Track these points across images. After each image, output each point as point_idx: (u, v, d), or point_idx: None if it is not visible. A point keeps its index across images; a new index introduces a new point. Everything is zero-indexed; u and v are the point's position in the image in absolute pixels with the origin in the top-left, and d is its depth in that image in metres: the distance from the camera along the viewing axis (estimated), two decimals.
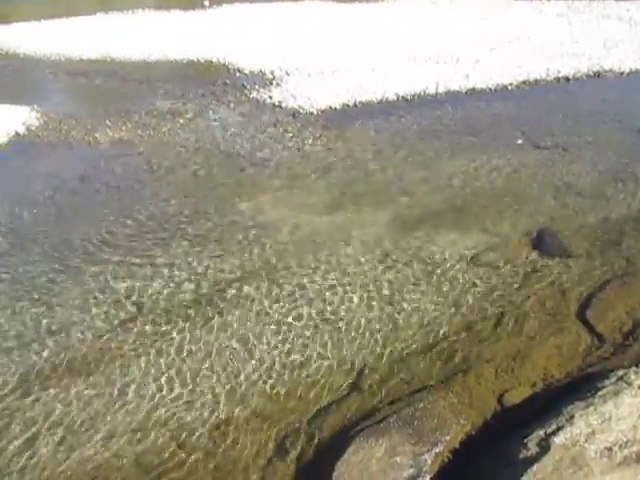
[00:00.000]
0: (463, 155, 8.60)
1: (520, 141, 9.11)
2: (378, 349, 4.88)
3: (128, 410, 4.35)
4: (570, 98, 11.44)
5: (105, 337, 5.05)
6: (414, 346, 4.91)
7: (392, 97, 11.12)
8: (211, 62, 13.96)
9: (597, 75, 12.81)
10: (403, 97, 11.14)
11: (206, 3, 21.34)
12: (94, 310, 5.37)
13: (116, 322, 5.22)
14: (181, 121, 10.21)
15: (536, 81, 12.22)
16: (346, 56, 13.85)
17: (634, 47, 14.97)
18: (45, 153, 9.00)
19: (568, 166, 8.26)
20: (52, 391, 4.51)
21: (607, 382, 4.29)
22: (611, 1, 22.74)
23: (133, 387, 4.54)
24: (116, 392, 4.50)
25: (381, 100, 10.98)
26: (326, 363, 4.75)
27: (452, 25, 17.59)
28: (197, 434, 4.16)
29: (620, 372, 4.40)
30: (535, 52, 14.25)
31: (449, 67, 12.93)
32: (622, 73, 13.01)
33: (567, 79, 12.48)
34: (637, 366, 4.51)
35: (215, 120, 10.25)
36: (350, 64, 13.13)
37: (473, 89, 11.62)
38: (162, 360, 4.79)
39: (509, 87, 11.82)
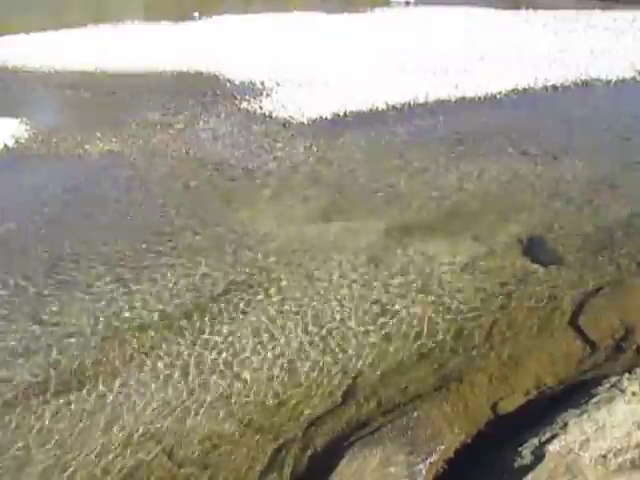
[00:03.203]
0: (453, 164, 8.63)
1: (509, 149, 9.16)
2: (371, 358, 4.86)
3: (125, 421, 4.30)
4: (558, 106, 11.54)
5: (95, 350, 4.99)
6: (407, 355, 4.89)
7: (382, 106, 11.17)
8: (201, 73, 13.97)
9: (585, 84, 12.95)
10: (393, 106, 11.19)
11: (196, 14, 21.40)
12: (85, 322, 5.31)
13: (104, 335, 5.16)
14: (171, 132, 10.19)
15: (524, 90, 12.32)
16: (336, 66, 13.91)
17: (620, 56, 15.15)
18: (35, 166, 8.94)
19: (558, 173, 8.31)
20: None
21: (600, 389, 4.29)
22: (597, 11, 23.03)
23: (123, 399, 4.49)
24: (112, 404, 4.45)
25: (371, 109, 11.02)
26: (319, 373, 4.71)
27: (441, 35, 17.74)
28: (190, 445, 4.12)
29: (613, 379, 4.41)
30: (523, 61, 14.39)
31: (438, 77, 13.02)
32: (609, 82, 13.15)
33: (555, 88, 12.60)
34: (630, 372, 4.52)
35: (205, 131, 10.24)
36: (340, 74, 13.19)
37: (462, 98, 11.70)
38: (152, 373, 4.74)
39: (498, 96, 11.91)
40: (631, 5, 23.77)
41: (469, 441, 4.10)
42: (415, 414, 4.19)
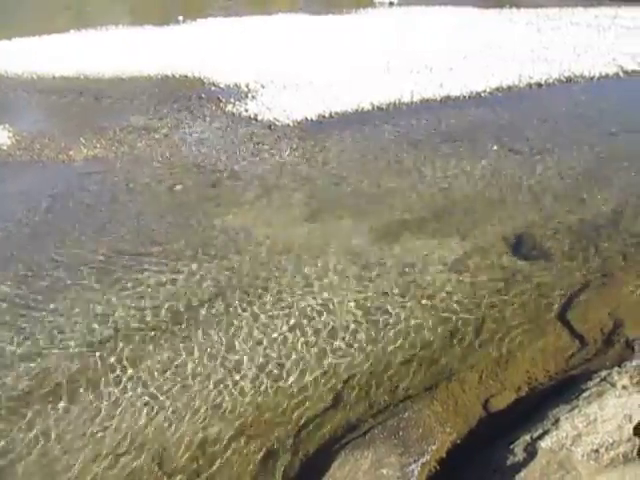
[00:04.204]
0: (440, 162, 8.63)
1: (495, 147, 9.19)
2: (361, 359, 4.82)
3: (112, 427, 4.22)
4: (543, 103, 11.59)
5: (81, 358, 4.90)
6: (397, 355, 4.86)
7: (367, 107, 11.16)
8: (186, 77, 13.89)
9: (568, 80, 13.03)
10: (378, 107, 11.19)
11: (180, 18, 21.31)
12: (69, 332, 5.23)
13: (91, 343, 5.08)
14: (156, 136, 10.11)
15: (509, 87, 12.37)
16: (321, 67, 13.89)
17: (603, 52, 15.27)
18: (17, 172, 8.82)
19: (543, 170, 8.34)
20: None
21: (591, 383, 4.28)
22: (580, 8, 23.23)
23: (111, 406, 4.42)
24: (104, 410, 4.38)
25: (357, 110, 11.01)
26: (309, 375, 4.67)
27: (425, 35, 17.79)
28: (180, 453, 4.06)
29: (603, 373, 4.40)
30: (507, 59, 14.45)
31: (423, 76, 13.04)
32: (592, 78, 13.25)
33: (539, 85, 12.67)
34: (620, 366, 4.52)
35: (191, 135, 10.17)
36: (325, 75, 13.17)
37: (447, 97, 11.72)
38: (139, 379, 4.67)
39: (483, 94, 11.95)
40: (612, 2, 24.01)
41: (461, 440, 4.08)
42: (406, 414, 4.16)
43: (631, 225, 6.77)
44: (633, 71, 13.77)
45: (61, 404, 4.46)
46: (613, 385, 4.23)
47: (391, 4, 25.65)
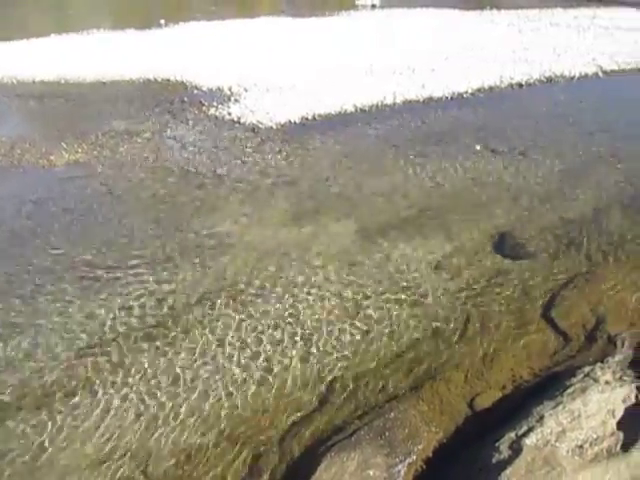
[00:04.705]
0: (422, 163, 8.67)
1: (478, 147, 9.25)
2: (345, 360, 4.81)
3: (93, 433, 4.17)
4: (524, 103, 11.70)
5: (62, 366, 4.84)
6: (382, 355, 4.86)
7: (350, 109, 11.18)
8: (168, 80, 13.81)
9: (549, 80, 13.17)
10: (361, 108, 11.22)
11: (162, 22, 21.20)
12: (51, 338, 5.16)
13: (73, 349, 5.02)
14: (139, 140, 10.03)
15: (490, 88, 12.48)
16: (303, 70, 13.89)
17: (582, 53, 15.47)
18: None
19: (525, 170, 8.42)
20: None
21: (574, 380, 4.32)
22: (559, 9, 23.51)
23: (92, 416, 4.37)
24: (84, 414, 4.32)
25: (340, 112, 11.03)
26: (293, 378, 4.65)
27: (407, 36, 17.89)
28: (165, 460, 4.02)
29: (586, 369, 4.45)
30: (488, 60, 14.58)
31: (406, 77, 13.10)
32: (572, 78, 13.41)
33: (520, 85, 12.79)
34: (602, 362, 4.57)
35: (173, 138, 10.11)
36: (308, 78, 13.18)
37: (430, 98, 11.78)
38: (123, 385, 4.62)
39: (464, 95, 12.03)
40: (591, 3, 24.32)
41: (447, 439, 4.09)
42: (392, 414, 4.16)
43: (611, 223, 6.85)
44: (612, 71, 13.96)
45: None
46: (596, 381, 4.27)
47: (373, 6, 25.77)
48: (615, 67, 14.19)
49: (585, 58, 14.81)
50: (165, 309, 5.50)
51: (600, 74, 13.74)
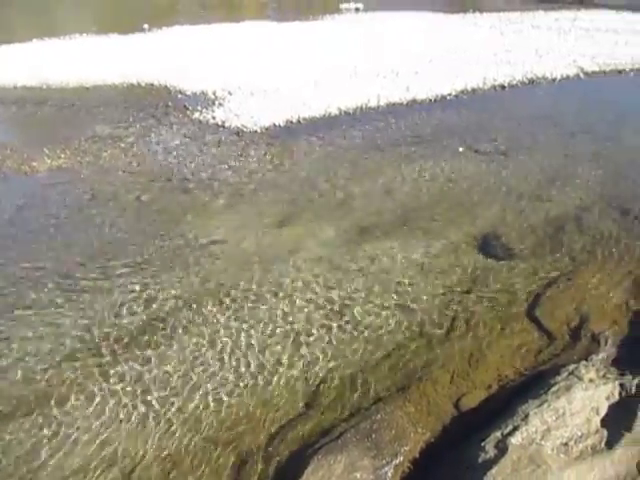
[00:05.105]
0: (407, 165, 8.71)
1: (461, 149, 9.31)
2: (332, 362, 4.80)
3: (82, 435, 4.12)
4: (507, 105, 11.81)
5: (50, 371, 4.78)
6: (368, 357, 4.86)
7: (335, 112, 11.20)
8: (152, 85, 13.76)
9: (531, 82, 13.31)
10: (346, 112, 11.25)
11: (145, 26, 21.13)
12: (36, 345, 5.09)
13: (60, 356, 4.96)
14: (122, 145, 9.97)
15: (474, 90, 12.58)
16: (288, 74, 13.91)
17: (563, 54, 15.65)
18: None
19: (508, 170, 8.49)
20: None
21: (559, 378, 4.35)
22: (540, 12, 23.78)
23: (76, 423, 4.32)
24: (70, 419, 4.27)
25: (324, 115, 11.05)
26: (280, 380, 4.63)
27: (391, 40, 17.98)
28: (151, 466, 3.97)
29: (571, 367, 4.48)
30: (471, 62, 14.70)
31: (390, 80, 13.17)
32: (554, 79, 13.56)
33: (503, 87, 12.91)
34: (587, 360, 4.61)
35: (157, 143, 10.06)
36: (292, 81, 13.19)
37: (414, 100, 11.85)
38: (108, 391, 4.58)
39: (448, 97, 12.12)
40: (572, 5, 24.61)
41: (434, 439, 4.09)
42: (378, 416, 4.16)
43: (593, 223, 6.91)
44: (593, 72, 14.14)
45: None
46: (580, 378, 4.31)
47: (357, 10, 25.89)
48: (596, 68, 14.38)
49: (566, 60, 14.99)
50: (149, 314, 5.45)
51: (581, 75, 13.92)
